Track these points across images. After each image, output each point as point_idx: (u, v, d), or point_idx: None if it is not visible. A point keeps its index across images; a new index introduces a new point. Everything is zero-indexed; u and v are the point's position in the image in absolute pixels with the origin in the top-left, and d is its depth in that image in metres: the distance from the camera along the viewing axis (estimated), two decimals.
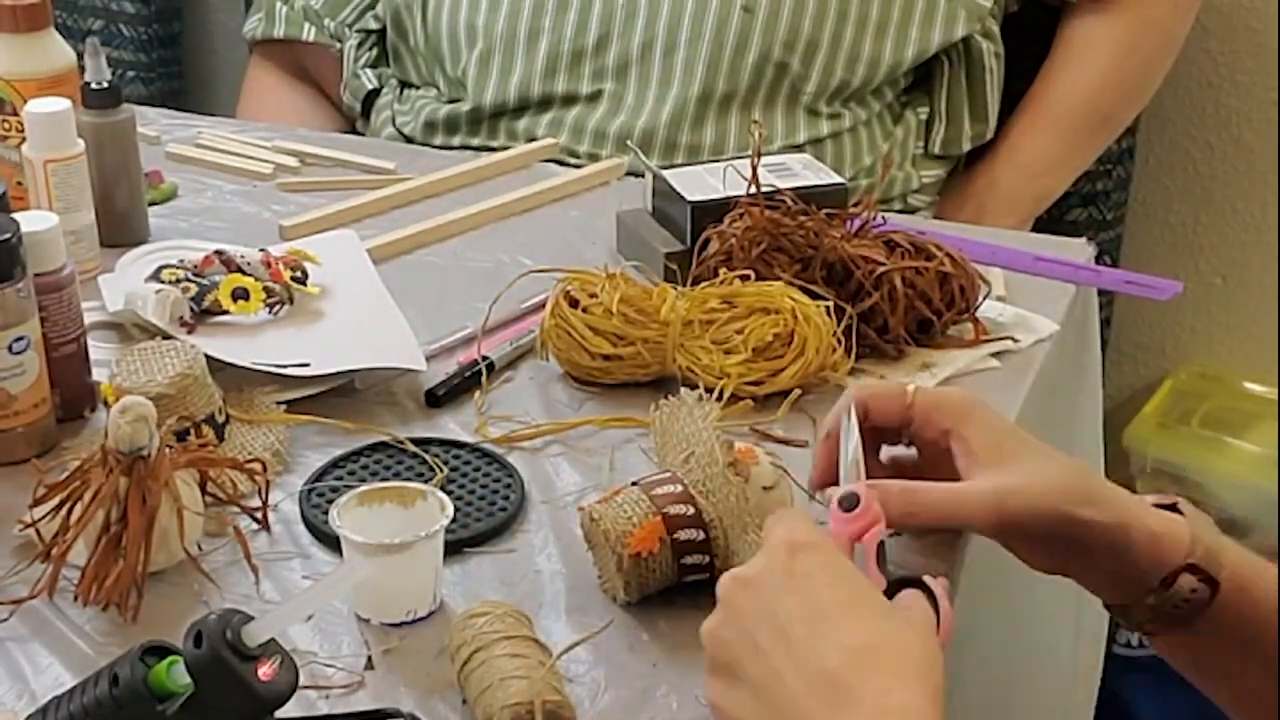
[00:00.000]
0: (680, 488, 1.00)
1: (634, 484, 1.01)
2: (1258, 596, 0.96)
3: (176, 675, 0.81)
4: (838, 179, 1.39)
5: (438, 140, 1.79)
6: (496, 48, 1.74)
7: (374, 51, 1.90)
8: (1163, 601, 0.95)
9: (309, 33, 1.91)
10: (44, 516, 1.02)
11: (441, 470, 1.12)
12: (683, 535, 0.98)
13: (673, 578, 0.99)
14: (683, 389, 0.99)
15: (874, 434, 1.01)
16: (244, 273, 1.30)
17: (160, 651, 0.82)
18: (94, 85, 1.42)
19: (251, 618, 0.81)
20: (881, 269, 1.26)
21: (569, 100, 1.73)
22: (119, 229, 1.45)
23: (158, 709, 0.80)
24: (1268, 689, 0.97)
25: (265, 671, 0.80)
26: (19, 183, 1.41)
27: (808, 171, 1.40)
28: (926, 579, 0.86)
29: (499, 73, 1.75)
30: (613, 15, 1.72)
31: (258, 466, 1.09)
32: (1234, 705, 1.01)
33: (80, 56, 1.43)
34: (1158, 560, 0.95)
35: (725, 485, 0.98)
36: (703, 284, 1.26)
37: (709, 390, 0.98)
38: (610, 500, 1.00)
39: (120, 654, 0.83)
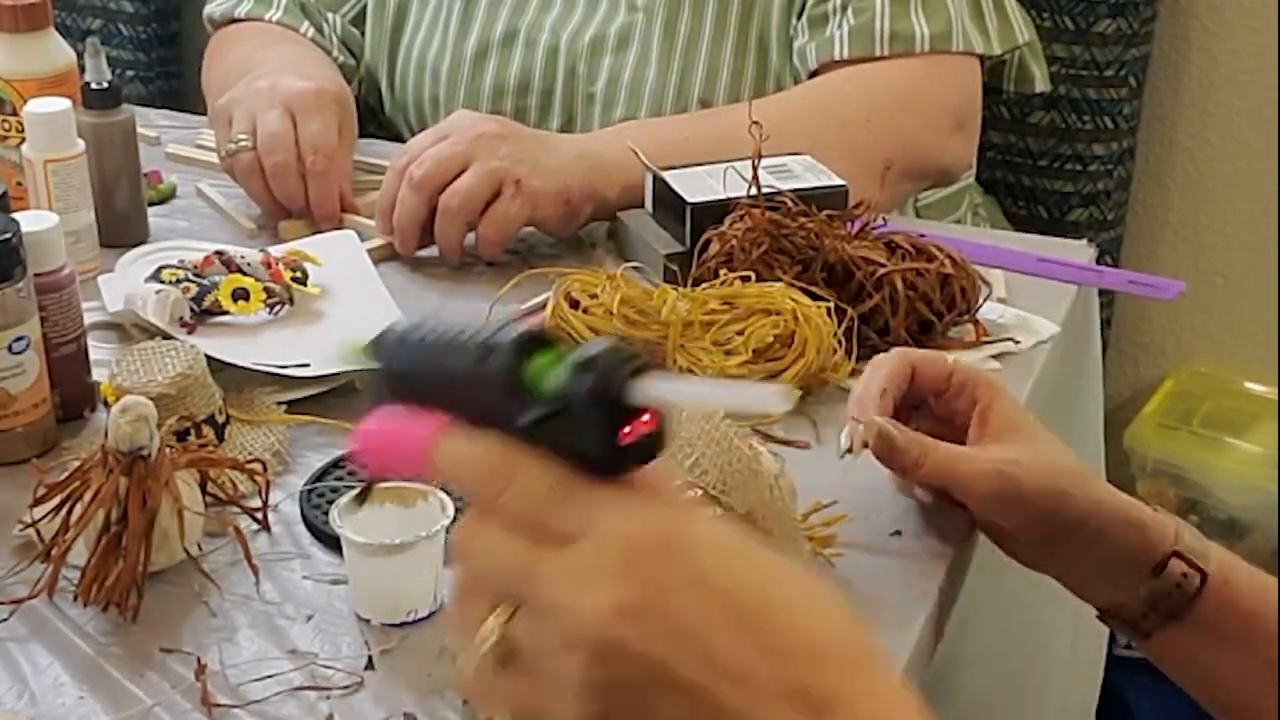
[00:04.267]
0: (699, 493, 0.99)
1: None
2: (1240, 589, 0.99)
3: (557, 375, 0.64)
4: (838, 180, 1.38)
5: None
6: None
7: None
8: (1155, 590, 0.98)
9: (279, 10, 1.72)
10: (44, 516, 1.02)
11: None
12: None
13: None
14: None
15: (908, 399, 1.06)
16: (244, 273, 1.30)
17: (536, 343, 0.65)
18: (94, 85, 1.42)
19: (650, 368, 0.64)
20: (882, 270, 1.26)
21: None
22: (119, 229, 1.45)
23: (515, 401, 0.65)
24: (1249, 683, 0.98)
25: (630, 433, 0.64)
26: (19, 183, 1.41)
27: (808, 173, 1.40)
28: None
29: None
30: (574, 104, 1.64)
31: (258, 466, 1.09)
32: (1218, 703, 1.02)
33: (80, 56, 1.43)
34: (1147, 547, 0.99)
35: (754, 479, 0.98)
36: (703, 285, 1.26)
37: None
38: None
39: (489, 332, 0.66)
